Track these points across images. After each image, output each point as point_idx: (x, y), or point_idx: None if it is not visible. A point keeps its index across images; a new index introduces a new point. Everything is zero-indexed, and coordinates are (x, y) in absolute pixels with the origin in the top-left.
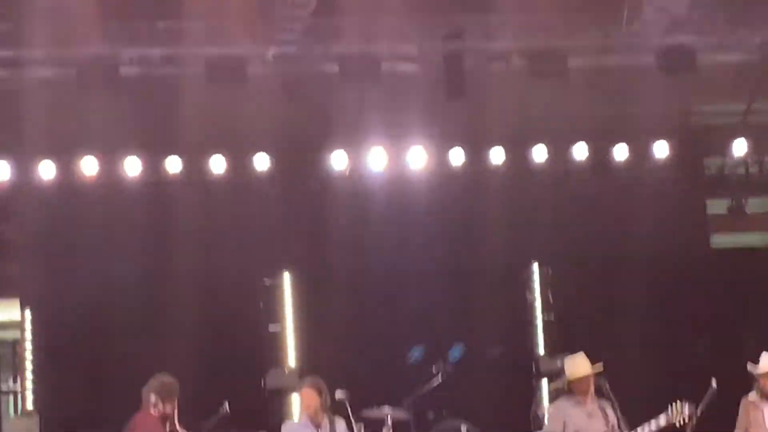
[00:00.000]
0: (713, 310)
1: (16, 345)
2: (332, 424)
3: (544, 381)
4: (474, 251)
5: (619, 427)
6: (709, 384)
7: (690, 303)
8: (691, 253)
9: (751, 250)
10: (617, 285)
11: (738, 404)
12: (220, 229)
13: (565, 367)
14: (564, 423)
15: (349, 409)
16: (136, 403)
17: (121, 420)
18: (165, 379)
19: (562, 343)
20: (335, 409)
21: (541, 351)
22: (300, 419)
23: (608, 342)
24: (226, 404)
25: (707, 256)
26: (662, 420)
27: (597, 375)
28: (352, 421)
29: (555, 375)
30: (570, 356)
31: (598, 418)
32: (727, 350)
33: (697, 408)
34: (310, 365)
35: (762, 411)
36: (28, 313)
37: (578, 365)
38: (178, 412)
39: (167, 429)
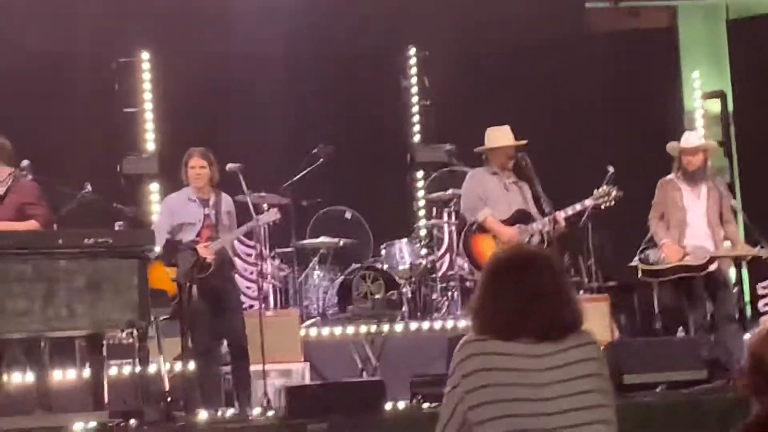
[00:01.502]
0: (596, 95)
1: None
2: (218, 201)
3: (420, 171)
4: (347, 33)
5: (540, 205)
6: (606, 170)
7: (569, 89)
8: (568, 40)
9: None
10: (495, 71)
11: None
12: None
13: (486, 137)
14: (482, 187)
15: (243, 183)
16: None
17: None
18: None
19: (438, 131)
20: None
21: (417, 139)
22: (183, 193)
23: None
24: (88, 185)
25: (584, 42)
26: (588, 202)
27: (517, 150)
28: (246, 194)
29: (431, 165)
30: (493, 127)
31: (515, 192)
32: (617, 139)
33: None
34: (170, 150)
35: (681, 191)
36: None
37: (499, 135)
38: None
39: None
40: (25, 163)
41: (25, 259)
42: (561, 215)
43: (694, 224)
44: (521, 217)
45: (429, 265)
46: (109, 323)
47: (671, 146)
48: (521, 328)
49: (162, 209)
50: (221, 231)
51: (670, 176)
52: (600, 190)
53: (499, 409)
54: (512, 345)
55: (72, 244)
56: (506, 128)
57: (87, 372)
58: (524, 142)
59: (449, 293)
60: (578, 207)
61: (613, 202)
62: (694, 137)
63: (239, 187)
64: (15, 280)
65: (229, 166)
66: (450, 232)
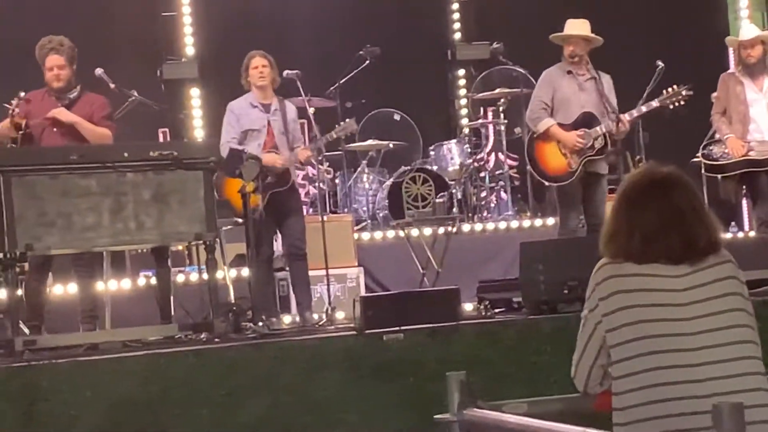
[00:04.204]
0: None
1: None
2: (282, 107)
3: (461, 70)
4: None
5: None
6: (655, 65)
7: None
8: None
9: None
10: None
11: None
12: None
13: (565, 26)
14: (553, 90)
15: (301, 89)
16: None
17: None
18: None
19: (480, 29)
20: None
21: (458, 37)
22: (244, 99)
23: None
24: (134, 92)
25: None
26: (654, 103)
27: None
28: (306, 104)
29: (473, 63)
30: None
31: (590, 92)
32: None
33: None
34: (210, 55)
35: (743, 85)
36: None
37: (578, 24)
38: None
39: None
40: (99, 71)
41: (90, 174)
42: (626, 117)
43: (757, 118)
44: (586, 120)
45: (476, 165)
46: (177, 236)
47: (729, 40)
48: (657, 251)
49: (227, 117)
50: (288, 139)
51: (731, 70)
52: (669, 90)
53: (639, 330)
54: (649, 267)
55: (137, 156)
56: (583, 20)
57: (142, 282)
58: (598, 40)
59: (498, 192)
60: (644, 109)
61: (682, 102)
62: (752, 29)
63: (294, 94)
64: (81, 194)
65: (287, 72)
66: (496, 131)
